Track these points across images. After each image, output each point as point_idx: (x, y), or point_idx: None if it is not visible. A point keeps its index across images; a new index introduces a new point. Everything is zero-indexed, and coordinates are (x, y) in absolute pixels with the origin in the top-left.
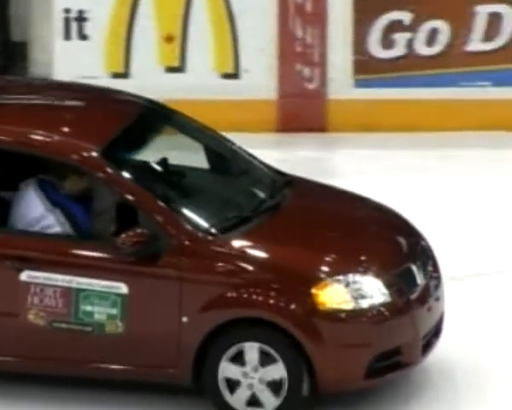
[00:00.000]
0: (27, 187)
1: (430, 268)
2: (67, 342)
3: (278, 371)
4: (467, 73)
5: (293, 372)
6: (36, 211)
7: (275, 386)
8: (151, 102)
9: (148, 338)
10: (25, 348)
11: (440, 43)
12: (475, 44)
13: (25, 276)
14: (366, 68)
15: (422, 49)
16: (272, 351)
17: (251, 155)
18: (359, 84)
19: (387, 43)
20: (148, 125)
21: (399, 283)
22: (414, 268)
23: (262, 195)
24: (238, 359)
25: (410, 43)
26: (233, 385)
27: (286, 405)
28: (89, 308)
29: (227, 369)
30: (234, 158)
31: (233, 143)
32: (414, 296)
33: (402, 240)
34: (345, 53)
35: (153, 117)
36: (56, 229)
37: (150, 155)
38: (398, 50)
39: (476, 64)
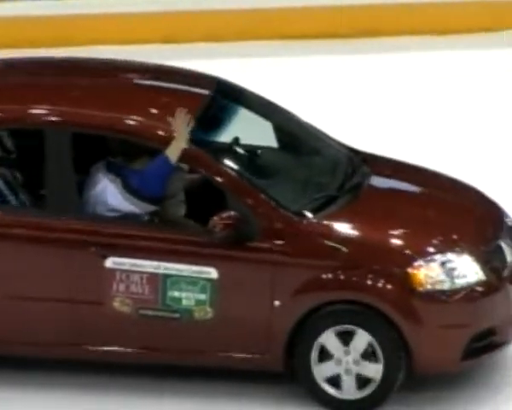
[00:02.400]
0: (98, 172)
1: None
2: (154, 329)
3: (375, 371)
4: None
5: (387, 380)
6: (115, 199)
7: (363, 382)
8: (221, 80)
9: (239, 324)
10: (110, 336)
11: None
12: None
13: (110, 262)
14: None
15: None
16: (379, 350)
17: (323, 133)
18: None
19: None
20: (223, 104)
21: (492, 261)
22: (503, 245)
23: (342, 173)
24: (343, 337)
25: None
26: (324, 357)
27: (363, 401)
28: (177, 294)
29: (329, 339)
30: (306, 135)
31: (303, 121)
32: (506, 274)
33: (488, 217)
34: None
35: (226, 95)
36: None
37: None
38: None
39: None
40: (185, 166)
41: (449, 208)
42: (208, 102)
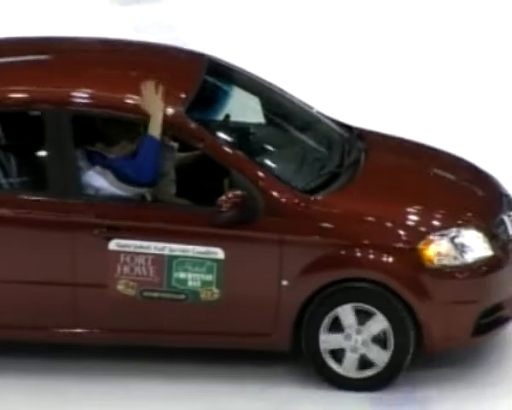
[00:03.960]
0: (77, 162)
1: None
2: (159, 311)
3: (380, 357)
4: None
5: (390, 368)
6: (106, 190)
7: (365, 364)
8: (210, 56)
9: (246, 304)
10: (114, 319)
11: None
12: None
13: (114, 245)
14: None
15: None
16: (392, 340)
17: (314, 109)
18: None
19: None
20: (216, 82)
21: (498, 235)
22: (506, 219)
23: (340, 149)
24: (336, 327)
25: None
26: (334, 329)
27: (362, 381)
28: (182, 276)
29: (346, 313)
30: (299, 112)
31: (294, 97)
32: (510, 247)
33: (489, 190)
34: None
35: (217, 73)
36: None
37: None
38: None
39: None
40: (175, 145)
41: (450, 183)
42: (203, 80)
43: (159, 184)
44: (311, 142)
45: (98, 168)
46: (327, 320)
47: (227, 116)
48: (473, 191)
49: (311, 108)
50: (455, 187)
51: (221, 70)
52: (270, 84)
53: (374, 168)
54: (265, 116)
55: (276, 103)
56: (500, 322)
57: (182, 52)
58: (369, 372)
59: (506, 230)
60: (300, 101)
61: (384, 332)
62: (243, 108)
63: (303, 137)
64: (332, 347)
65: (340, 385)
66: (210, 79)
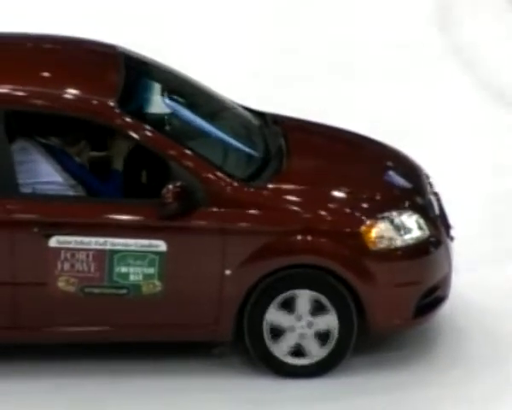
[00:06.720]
0: (30, 150)
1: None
2: (101, 307)
3: (329, 322)
4: None
5: (344, 327)
6: (47, 175)
7: (323, 337)
8: (124, 49)
9: (189, 296)
10: (56, 317)
11: None
12: None
13: (54, 241)
14: None
15: None
16: (325, 300)
17: (227, 98)
18: None
19: None
20: (135, 75)
21: (430, 215)
22: (432, 199)
23: (261, 136)
24: (287, 306)
25: None
26: (278, 334)
27: (332, 357)
28: (124, 270)
29: (274, 316)
30: (215, 101)
31: (206, 86)
32: (439, 227)
33: (414, 172)
34: None
35: (132, 63)
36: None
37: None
38: None
39: None
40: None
41: (379, 166)
42: (125, 72)
43: None
44: (234, 130)
45: (57, 166)
46: (266, 333)
47: (143, 108)
48: (402, 173)
49: (225, 97)
50: (384, 170)
51: (135, 61)
52: (181, 73)
53: (299, 153)
54: (184, 106)
55: (191, 93)
56: (437, 303)
57: (96, 44)
58: (331, 343)
59: (434, 210)
60: (213, 90)
61: (315, 301)
62: (161, 99)
63: (225, 125)
64: (287, 349)
65: (285, 373)
66: (130, 71)
